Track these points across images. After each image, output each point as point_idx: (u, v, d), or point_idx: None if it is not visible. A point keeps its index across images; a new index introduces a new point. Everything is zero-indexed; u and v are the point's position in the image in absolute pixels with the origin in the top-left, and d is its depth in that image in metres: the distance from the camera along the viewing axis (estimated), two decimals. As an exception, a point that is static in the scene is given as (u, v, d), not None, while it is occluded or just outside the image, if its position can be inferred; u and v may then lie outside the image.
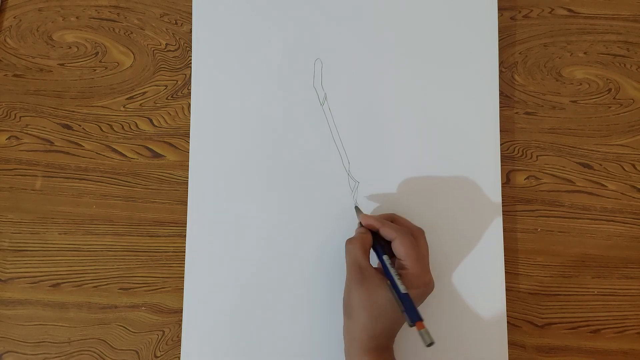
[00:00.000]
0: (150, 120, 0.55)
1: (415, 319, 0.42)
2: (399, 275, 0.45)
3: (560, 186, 0.55)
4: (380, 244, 0.47)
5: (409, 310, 0.42)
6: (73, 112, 0.55)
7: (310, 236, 0.52)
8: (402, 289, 0.43)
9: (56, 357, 0.52)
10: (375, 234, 0.48)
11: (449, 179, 0.53)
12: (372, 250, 0.48)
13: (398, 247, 0.46)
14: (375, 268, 0.46)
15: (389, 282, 0.45)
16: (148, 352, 0.52)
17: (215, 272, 0.52)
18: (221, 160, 0.53)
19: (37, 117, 0.55)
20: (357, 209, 0.51)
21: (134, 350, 0.52)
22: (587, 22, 0.57)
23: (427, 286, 0.46)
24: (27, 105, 0.55)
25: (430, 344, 0.40)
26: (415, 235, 0.48)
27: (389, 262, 0.46)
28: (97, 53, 0.56)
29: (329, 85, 0.55)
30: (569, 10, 0.58)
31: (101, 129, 0.55)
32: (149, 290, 0.53)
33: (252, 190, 0.53)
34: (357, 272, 0.45)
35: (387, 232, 0.47)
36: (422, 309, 0.44)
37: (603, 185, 0.55)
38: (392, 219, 0.49)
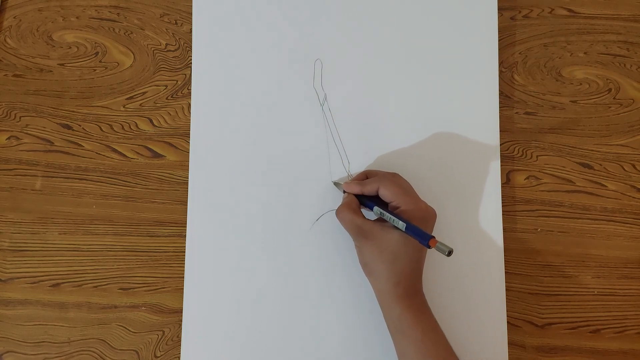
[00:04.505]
0: (150, 120, 0.55)
1: (426, 239, 0.43)
2: (397, 214, 0.46)
3: (560, 186, 0.55)
4: (370, 200, 0.48)
5: (418, 235, 0.43)
6: (73, 112, 0.55)
7: (311, 236, 0.52)
8: (403, 222, 0.45)
9: (56, 357, 0.52)
10: (359, 196, 0.49)
11: (449, 179, 0.53)
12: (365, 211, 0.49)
13: (384, 192, 0.47)
14: (372, 220, 0.47)
15: (389, 224, 0.46)
16: (148, 352, 0.52)
17: (215, 272, 0.52)
18: (221, 160, 0.53)
19: (37, 117, 0.55)
20: (335, 184, 0.52)
21: (134, 350, 0.52)
22: (587, 22, 0.57)
23: (426, 212, 0.47)
24: (27, 105, 0.55)
25: (449, 253, 0.41)
26: (394, 176, 0.49)
27: (382, 209, 0.47)
28: (97, 53, 0.56)
29: (329, 86, 0.55)
30: (569, 10, 0.58)
31: (101, 129, 0.55)
32: (149, 290, 0.53)
33: (252, 190, 0.53)
34: (358, 231, 0.47)
35: (370, 188, 0.48)
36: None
37: (603, 185, 0.55)
38: (367, 174, 0.51)
